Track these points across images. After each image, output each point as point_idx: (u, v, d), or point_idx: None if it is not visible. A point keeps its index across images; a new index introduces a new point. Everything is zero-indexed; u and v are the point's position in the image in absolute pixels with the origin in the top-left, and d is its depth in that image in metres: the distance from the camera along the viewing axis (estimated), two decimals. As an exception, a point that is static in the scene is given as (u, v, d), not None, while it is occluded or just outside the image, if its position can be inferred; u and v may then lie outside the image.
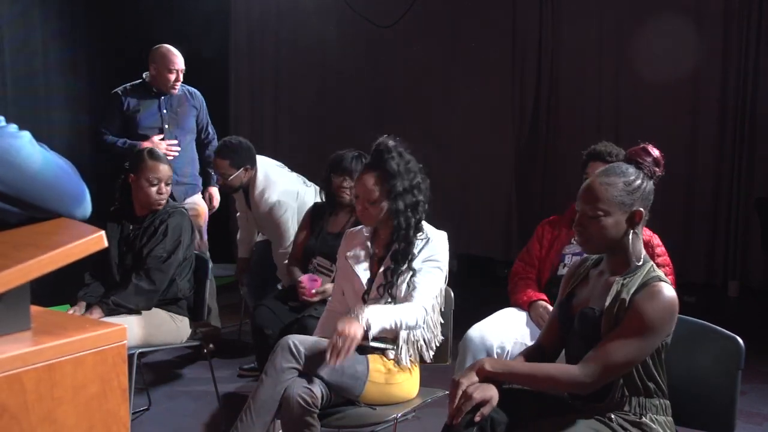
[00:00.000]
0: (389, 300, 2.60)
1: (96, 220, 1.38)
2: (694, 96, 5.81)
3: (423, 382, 2.67)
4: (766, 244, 5.15)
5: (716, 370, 2.11)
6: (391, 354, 2.56)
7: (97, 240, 1.26)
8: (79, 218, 1.36)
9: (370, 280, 2.68)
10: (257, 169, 3.99)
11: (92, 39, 5.87)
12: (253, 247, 4.38)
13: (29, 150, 1.29)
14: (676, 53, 5.63)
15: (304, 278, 3.37)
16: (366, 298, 2.66)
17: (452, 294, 2.79)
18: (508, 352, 2.84)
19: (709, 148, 5.79)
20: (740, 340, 2.08)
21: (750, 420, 3.46)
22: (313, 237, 3.58)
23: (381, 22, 6.31)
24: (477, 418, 1.91)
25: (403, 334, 2.55)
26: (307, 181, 4.22)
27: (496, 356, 2.80)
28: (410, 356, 2.58)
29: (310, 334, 2.70)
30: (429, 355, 2.63)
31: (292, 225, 3.95)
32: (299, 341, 2.47)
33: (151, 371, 4.04)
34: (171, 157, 4.16)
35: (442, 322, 2.69)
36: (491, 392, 1.94)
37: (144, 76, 4.28)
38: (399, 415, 2.46)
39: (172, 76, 4.19)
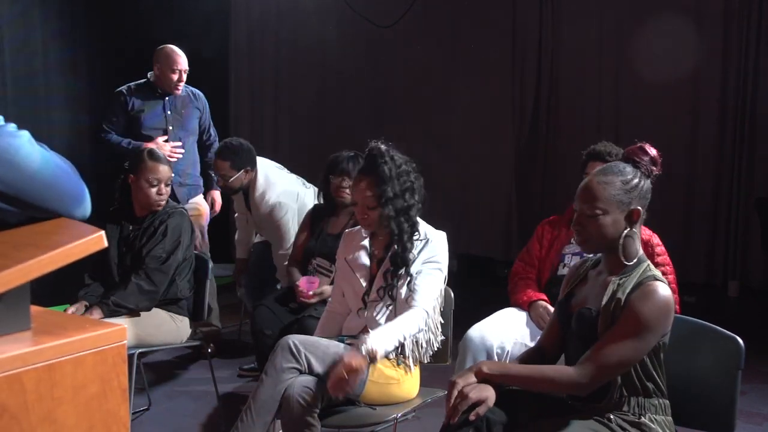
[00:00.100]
0: (389, 302, 2.60)
1: (96, 220, 1.38)
2: (694, 96, 5.81)
3: (423, 382, 2.67)
4: (766, 244, 5.15)
5: (716, 370, 2.11)
6: (392, 354, 2.56)
7: (97, 240, 1.26)
8: (79, 218, 1.36)
9: (370, 281, 2.68)
10: (257, 171, 3.99)
11: (92, 39, 5.87)
12: (251, 248, 4.37)
13: (28, 149, 1.29)
14: (676, 53, 5.63)
15: (301, 281, 3.37)
16: (366, 300, 2.66)
17: (452, 294, 2.79)
18: (508, 352, 2.84)
19: (709, 148, 5.79)
20: (740, 340, 2.08)
21: (750, 420, 3.46)
22: (314, 238, 3.58)
23: (381, 22, 6.31)
24: (472, 417, 1.91)
25: (407, 342, 2.55)
26: (306, 182, 4.22)
27: (496, 356, 2.80)
28: (415, 358, 2.59)
29: (310, 335, 2.70)
30: (429, 355, 2.63)
31: (292, 226, 3.95)
32: (299, 341, 2.47)
33: (151, 371, 4.04)
34: (174, 159, 4.17)
35: (442, 322, 2.69)
36: (487, 392, 1.94)
37: (148, 75, 4.28)
38: (399, 415, 2.46)
39: (175, 76, 4.19)
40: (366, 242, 2.76)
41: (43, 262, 1.18)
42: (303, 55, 6.92)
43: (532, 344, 2.85)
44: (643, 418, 1.95)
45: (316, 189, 3.83)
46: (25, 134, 1.30)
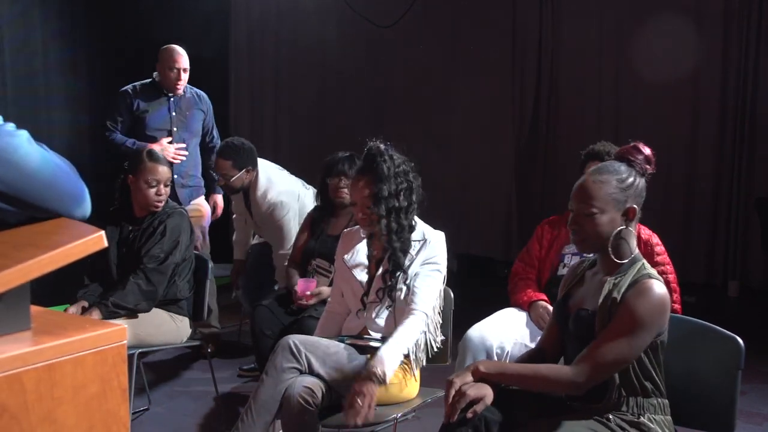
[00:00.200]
0: (389, 303, 2.60)
1: (96, 220, 1.37)
2: (694, 96, 5.81)
3: (423, 382, 2.67)
4: (766, 244, 5.15)
5: (716, 370, 2.11)
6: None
7: (97, 240, 1.26)
8: (79, 218, 1.35)
9: (369, 282, 2.68)
10: (259, 171, 3.99)
11: (92, 39, 5.87)
12: (249, 249, 4.36)
13: (27, 148, 1.28)
14: (676, 53, 5.63)
15: (299, 283, 3.36)
16: (365, 301, 2.66)
17: (452, 294, 2.79)
18: (507, 352, 2.83)
19: (709, 148, 5.79)
20: (740, 340, 2.08)
21: (750, 420, 3.46)
22: (314, 239, 3.58)
23: (381, 22, 6.31)
24: (469, 415, 1.91)
25: (411, 347, 2.55)
26: (306, 184, 4.22)
27: (495, 356, 2.80)
28: (417, 361, 2.59)
29: (310, 335, 2.69)
30: (430, 355, 2.63)
31: (293, 226, 3.95)
32: (300, 341, 2.47)
33: (151, 371, 4.04)
34: (178, 162, 4.17)
35: (441, 322, 2.69)
36: (485, 391, 1.95)
37: (154, 76, 4.28)
38: (399, 415, 2.46)
39: (173, 74, 4.19)
40: (364, 243, 2.75)
41: (43, 262, 1.18)
42: (303, 55, 6.91)
43: (531, 344, 2.86)
44: (642, 418, 1.95)
45: (316, 190, 3.83)
46: (24, 134, 1.30)
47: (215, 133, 4.52)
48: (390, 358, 2.40)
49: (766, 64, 5.52)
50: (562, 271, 3.02)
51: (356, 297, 2.69)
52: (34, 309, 1.28)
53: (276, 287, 3.94)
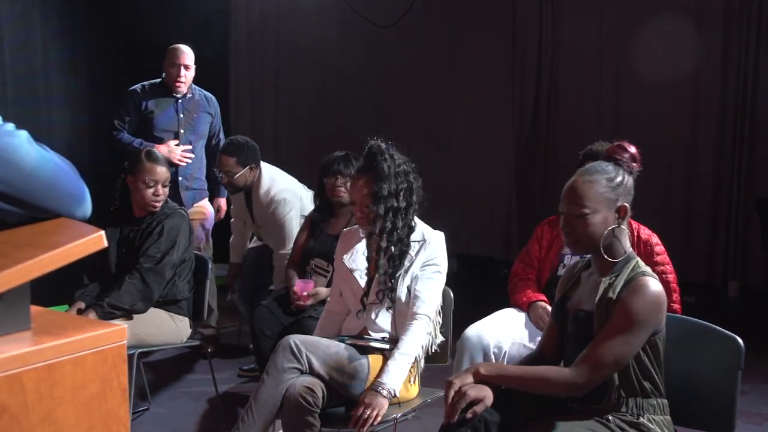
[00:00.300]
0: (389, 305, 2.60)
1: (96, 220, 1.37)
2: (694, 96, 5.81)
3: (423, 382, 2.67)
4: (766, 244, 5.15)
5: (716, 370, 2.11)
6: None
7: (97, 240, 1.26)
8: (79, 218, 1.35)
9: (368, 282, 2.67)
10: (262, 170, 3.99)
11: (92, 39, 5.87)
12: (246, 253, 4.35)
13: (26, 148, 1.28)
14: (676, 53, 5.64)
15: (297, 284, 3.35)
16: (365, 301, 2.66)
17: (451, 294, 2.79)
18: (505, 352, 2.83)
19: (709, 148, 5.79)
20: (740, 340, 2.08)
21: (750, 420, 3.46)
22: (313, 239, 3.58)
23: (381, 22, 6.31)
24: (469, 416, 1.91)
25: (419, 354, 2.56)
26: (306, 187, 4.22)
27: (492, 356, 2.80)
28: (419, 366, 2.59)
29: (310, 335, 2.69)
30: (429, 354, 2.63)
31: (295, 225, 3.94)
32: (300, 341, 2.47)
33: (151, 371, 4.04)
34: (184, 164, 4.17)
35: (441, 322, 2.69)
36: (485, 392, 1.95)
37: (163, 76, 4.27)
38: (399, 415, 2.46)
39: (174, 71, 4.18)
40: (363, 242, 2.75)
41: (43, 262, 1.18)
42: (303, 55, 6.92)
43: (530, 345, 2.86)
44: (641, 419, 1.95)
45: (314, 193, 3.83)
46: (24, 133, 1.30)
47: (221, 136, 4.50)
48: (397, 373, 2.44)
49: (766, 64, 5.53)
50: (562, 271, 3.02)
51: (356, 298, 2.69)
52: (34, 309, 1.28)
53: (271, 288, 3.93)
